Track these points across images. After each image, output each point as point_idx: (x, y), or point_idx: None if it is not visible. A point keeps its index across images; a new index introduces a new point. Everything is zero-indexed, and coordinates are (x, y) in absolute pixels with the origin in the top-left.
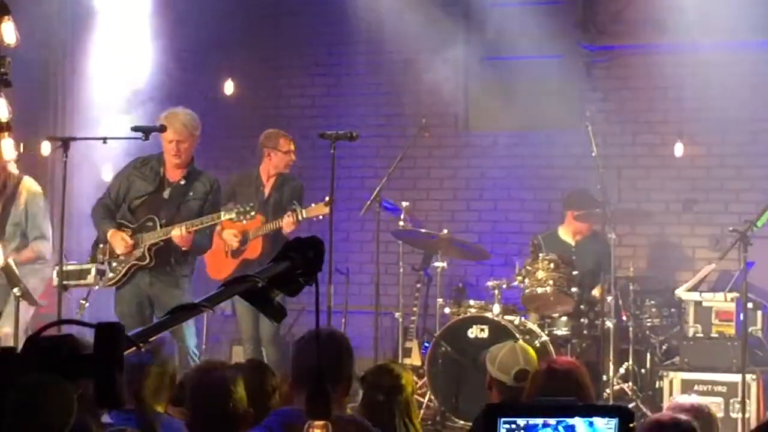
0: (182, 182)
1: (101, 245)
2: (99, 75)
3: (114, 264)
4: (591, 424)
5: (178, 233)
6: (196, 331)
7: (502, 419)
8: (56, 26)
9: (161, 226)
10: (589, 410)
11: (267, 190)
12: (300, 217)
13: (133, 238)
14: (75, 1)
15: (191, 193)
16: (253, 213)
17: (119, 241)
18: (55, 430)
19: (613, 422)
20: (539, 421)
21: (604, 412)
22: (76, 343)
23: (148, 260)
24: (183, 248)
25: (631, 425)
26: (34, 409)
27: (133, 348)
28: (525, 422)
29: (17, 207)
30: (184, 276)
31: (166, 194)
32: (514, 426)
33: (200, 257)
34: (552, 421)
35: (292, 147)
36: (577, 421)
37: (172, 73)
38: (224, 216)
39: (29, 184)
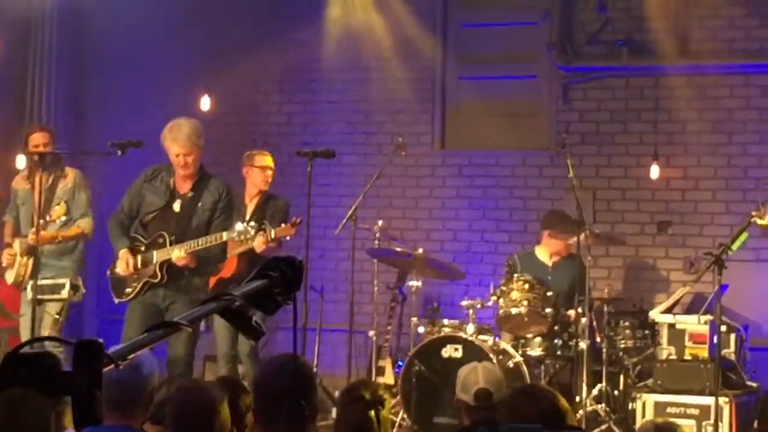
0: (191, 194)
1: (118, 261)
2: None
3: (130, 280)
4: None
5: (177, 254)
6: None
7: None
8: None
9: (170, 243)
10: None
11: (250, 209)
12: (270, 237)
13: (145, 255)
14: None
15: (200, 204)
16: (252, 233)
17: (122, 263)
18: None
19: None
20: None
21: None
22: (54, 359)
23: (160, 277)
24: (190, 266)
25: None
26: (11, 425)
27: (112, 365)
28: None
29: (65, 186)
30: (197, 287)
31: (176, 207)
32: None
33: None
34: None
35: (268, 163)
36: None
37: (149, 87)
38: (225, 237)
39: (74, 169)
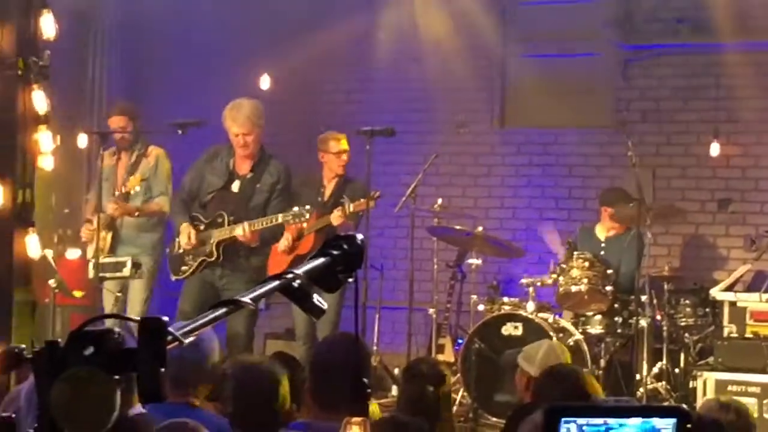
0: (250, 175)
1: (177, 239)
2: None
3: (188, 258)
4: (650, 424)
5: (240, 233)
6: None
7: (563, 419)
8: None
9: (229, 223)
10: (648, 411)
11: (327, 193)
12: (348, 211)
13: (203, 234)
14: None
15: (258, 185)
16: (307, 216)
17: (185, 235)
18: (98, 424)
19: (672, 422)
20: (599, 421)
21: (663, 412)
22: (119, 337)
23: (216, 256)
24: (252, 245)
25: (689, 425)
26: (76, 403)
27: (176, 343)
28: (586, 422)
29: (147, 164)
30: (255, 267)
31: (235, 187)
32: (574, 425)
33: None
34: (612, 421)
35: (343, 146)
36: (637, 422)
37: (208, 67)
38: (281, 219)
39: (158, 148)
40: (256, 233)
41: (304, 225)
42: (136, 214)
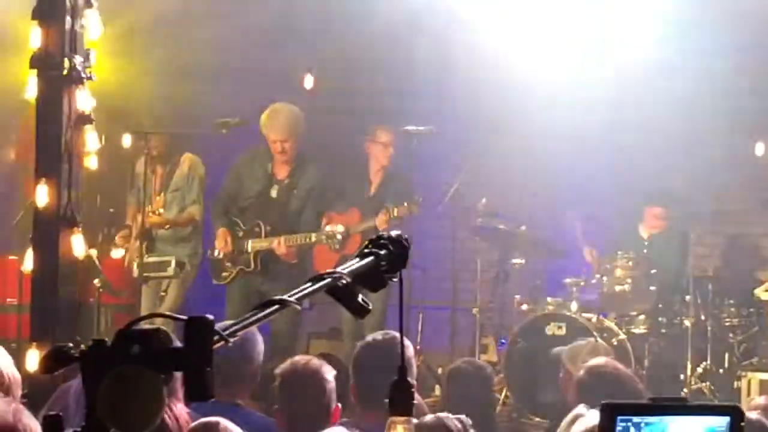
0: (288, 180)
1: (216, 239)
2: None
3: (228, 264)
4: (705, 422)
5: (277, 245)
6: None
7: (619, 417)
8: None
9: (266, 233)
10: (703, 409)
11: (373, 188)
12: (392, 215)
13: (241, 242)
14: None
15: (295, 191)
16: (339, 238)
17: (221, 241)
18: (145, 422)
19: (726, 421)
20: (655, 419)
21: (718, 410)
22: (165, 336)
23: (254, 266)
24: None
25: (742, 424)
26: (124, 402)
27: (222, 342)
28: (641, 420)
29: (181, 173)
30: (294, 275)
31: (273, 193)
32: (630, 424)
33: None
34: (667, 419)
35: (390, 137)
36: (692, 420)
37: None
38: (314, 238)
39: (191, 156)
40: (293, 249)
41: (337, 247)
42: (167, 227)
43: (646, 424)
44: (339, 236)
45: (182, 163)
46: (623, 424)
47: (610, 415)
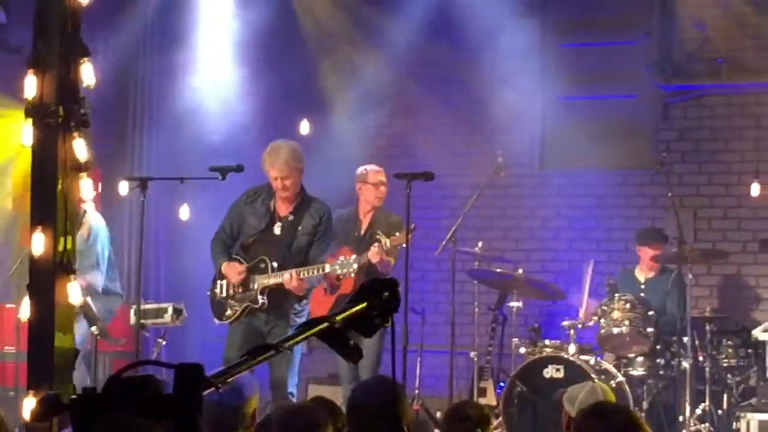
0: (291, 217)
1: (219, 282)
2: (178, 115)
3: (232, 302)
4: None
5: (288, 278)
6: (296, 371)
7: None
8: (135, 63)
9: (273, 269)
10: None
11: (364, 227)
12: (385, 247)
13: (246, 278)
14: (155, 35)
15: (300, 228)
16: (354, 267)
17: (233, 273)
18: None
19: None
20: None
21: None
22: (156, 383)
23: (261, 303)
24: (299, 293)
25: None
26: None
27: (212, 389)
28: None
29: (81, 236)
30: (299, 313)
31: (277, 230)
32: None
33: None
34: None
35: (381, 178)
36: None
37: (250, 111)
38: (328, 269)
39: (93, 216)
40: (304, 281)
41: (352, 275)
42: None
43: None
44: (354, 265)
45: (81, 226)
46: None
47: None
